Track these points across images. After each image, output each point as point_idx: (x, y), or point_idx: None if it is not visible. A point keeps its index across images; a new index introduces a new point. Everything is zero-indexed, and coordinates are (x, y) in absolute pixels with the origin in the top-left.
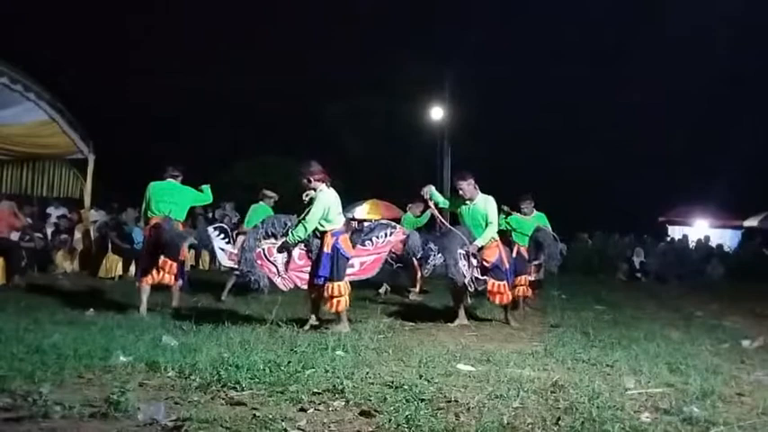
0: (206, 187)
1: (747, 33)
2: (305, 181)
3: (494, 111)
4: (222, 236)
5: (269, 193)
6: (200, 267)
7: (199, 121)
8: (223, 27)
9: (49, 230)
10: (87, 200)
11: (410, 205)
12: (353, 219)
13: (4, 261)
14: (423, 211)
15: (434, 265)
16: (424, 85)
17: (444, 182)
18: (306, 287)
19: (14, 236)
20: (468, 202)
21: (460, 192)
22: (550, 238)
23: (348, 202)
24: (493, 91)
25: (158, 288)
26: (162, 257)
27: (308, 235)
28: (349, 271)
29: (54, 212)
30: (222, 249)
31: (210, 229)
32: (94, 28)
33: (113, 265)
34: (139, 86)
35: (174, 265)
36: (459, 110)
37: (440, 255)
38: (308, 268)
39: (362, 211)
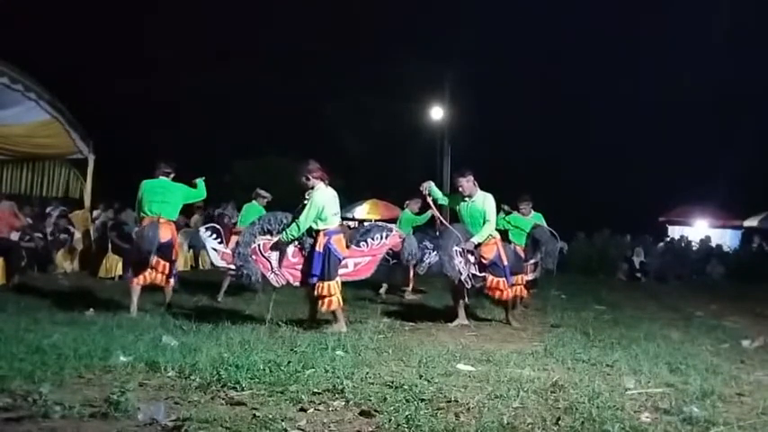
0: (200, 181)
1: (748, 33)
2: (303, 179)
3: (494, 111)
4: (214, 236)
5: (262, 192)
6: (201, 267)
7: (199, 120)
8: (224, 27)
9: (49, 230)
10: (87, 200)
11: (408, 201)
12: (353, 218)
13: (4, 261)
14: (422, 209)
15: (430, 263)
16: (424, 85)
17: (444, 182)
18: (298, 284)
19: (14, 236)
20: (467, 198)
21: (460, 188)
22: (548, 235)
23: (348, 202)
24: (493, 91)
25: (153, 288)
26: (155, 258)
27: (302, 233)
28: (342, 272)
29: (54, 212)
30: (215, 249)
31: (202, 229)
32: (95, 28)
33: (113, 265)
34: (140, 86)
35: (167, 265)
36: (460, 110)
37: (435, 253)
38: (301, 266)
39: (362, 210)
